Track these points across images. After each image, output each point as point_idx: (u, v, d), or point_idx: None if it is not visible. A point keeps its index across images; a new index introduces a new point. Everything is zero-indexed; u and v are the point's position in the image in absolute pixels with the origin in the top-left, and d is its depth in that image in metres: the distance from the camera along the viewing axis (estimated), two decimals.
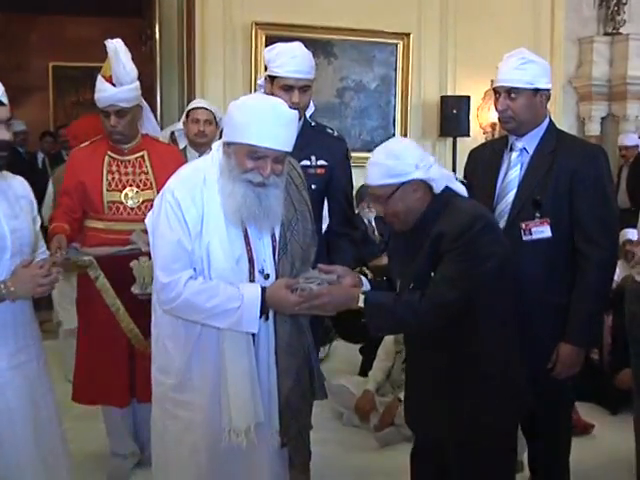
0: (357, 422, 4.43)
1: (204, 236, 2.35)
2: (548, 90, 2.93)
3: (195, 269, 2.37)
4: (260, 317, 2.37)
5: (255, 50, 6.71)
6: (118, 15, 9.09)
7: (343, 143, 3.32)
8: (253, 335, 2.40)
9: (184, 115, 4.60)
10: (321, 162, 3.14)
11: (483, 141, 7.01)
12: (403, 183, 2.46)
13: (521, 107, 2.89)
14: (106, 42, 3.34)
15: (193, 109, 4.51)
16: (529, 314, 2.76)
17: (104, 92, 3.31)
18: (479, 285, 2.39)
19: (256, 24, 6.72)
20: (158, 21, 6.79)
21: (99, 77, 3.35)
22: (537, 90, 2.89)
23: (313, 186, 3.04)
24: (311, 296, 2.36)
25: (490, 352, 2.49)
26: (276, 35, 6.52)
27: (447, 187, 2.53)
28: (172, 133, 4.63)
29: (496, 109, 3.00)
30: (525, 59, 2.90)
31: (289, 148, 2.36)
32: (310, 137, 3.14)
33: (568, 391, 3.07)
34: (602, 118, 7.93)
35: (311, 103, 3.25)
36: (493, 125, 7.45)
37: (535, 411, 2.84)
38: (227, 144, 2.36)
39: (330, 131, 3.29)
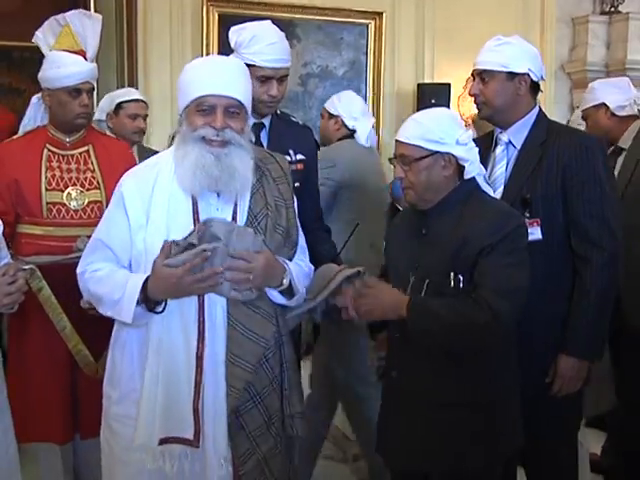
0: (332, 453, 4.45)
1: (149, 229, 2.46)
2: (527, 75, 2.96)
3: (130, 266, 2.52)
4: (152, 310, 2.42)
5: (207, 30, 6.69)
6: None
7: (311, 132, 3.40)
8: (200, 348, 2.43)
9: (110, 106, 4.56)
10: (300, 156, 3.20)
11: None
12: (437, 152, 2.53)
13: (493, 92, 2.96)
14: (69, 14, 3.40)
15: (128, 101, 4.48)
16: (524, 326, 2.77)
17: (77, 66, 3.33)
18: (522, 295, 2.48)
19: (208, 0, 6.69)
20: None
21: (61, 52, 3.36)
22: (512, 74, 2.94)
23: (296, 184, 3.08)
24: (193, 260, 2.32)
25: (489, 379, 2.56)
26: (231, 13, 6.58)
27: (474, 179, 2.63)
28: None
29: (469, 95, 3.10)
30: (501, 40, 2.97)
31: (238, 94, 2.45)
32: (281, 129, 3.19)
33: (574, 412, 3.09)
34: None
35: None
36: (475, 116, 7.53)
37: (537, 437, 2.89)
38: (180, 116, 2.50)
39: (294, 119, 3.35)
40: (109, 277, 2.47)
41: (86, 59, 3.37)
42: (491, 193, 2.72)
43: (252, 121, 3.11)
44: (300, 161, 3.19)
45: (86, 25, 3.39)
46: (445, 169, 2.56)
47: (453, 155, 2.55)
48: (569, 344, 2.88)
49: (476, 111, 7.89)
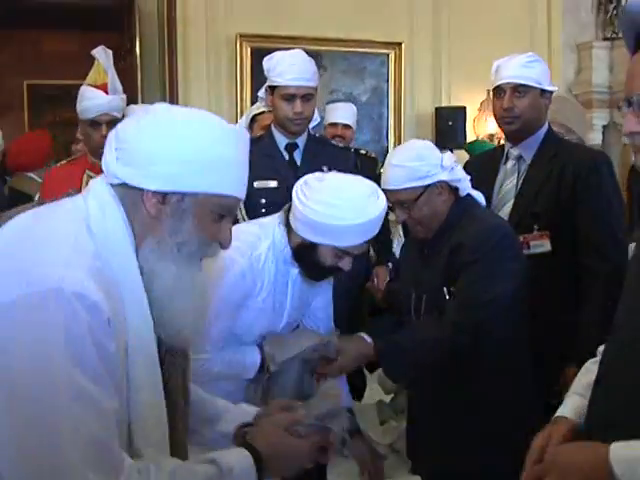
0: None
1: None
2: (552, 93, 2.93)
3: None
4: None
5: (240, 63, 6.81)
6: (95, 30, 9.18)
7: (350, 152, 3.37)
8: None
9: (247, 119, 4.17)
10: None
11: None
12: (429, 185, 2.43)
13: (527, 106, 2.88)
14: (95, 50, 3.42)
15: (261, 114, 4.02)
16: (536, 333, 2.67)
17: (95, 100, 3.35)
18: (497, 305, 2.37)
19: (241, 36, 6.81)
20: (138, 35, 6.87)
21: (85, 87, 3.41)
22: (543, 91, 2.90)
23: None
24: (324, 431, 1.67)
25: (501, 378, 2.49)
26: (262, 47, 6.59)
27: (468, 194, 2.54)
28: None
29: (495, 111, 2.97)
30: (532, 57, 2.91)
31: None
32: (317, 149, 3.18)
33: None
34: (604, 126, 8.01)
35: (316, 114, 3.26)
36: (490, 136, 7.53)
37: None
38: None
39: (334, 143, 3.36)
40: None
41: (107, 92, 3.36)
42: (481, 198, 2.61)
43: (286, 142, 3.15)
44: None
45: (108, 59, 3.42)
46: (441, 195, 2.46)
47: (443, 181, 2.46)
48: (575, 356, 2.67)
49: (489, 131, 7.85)
